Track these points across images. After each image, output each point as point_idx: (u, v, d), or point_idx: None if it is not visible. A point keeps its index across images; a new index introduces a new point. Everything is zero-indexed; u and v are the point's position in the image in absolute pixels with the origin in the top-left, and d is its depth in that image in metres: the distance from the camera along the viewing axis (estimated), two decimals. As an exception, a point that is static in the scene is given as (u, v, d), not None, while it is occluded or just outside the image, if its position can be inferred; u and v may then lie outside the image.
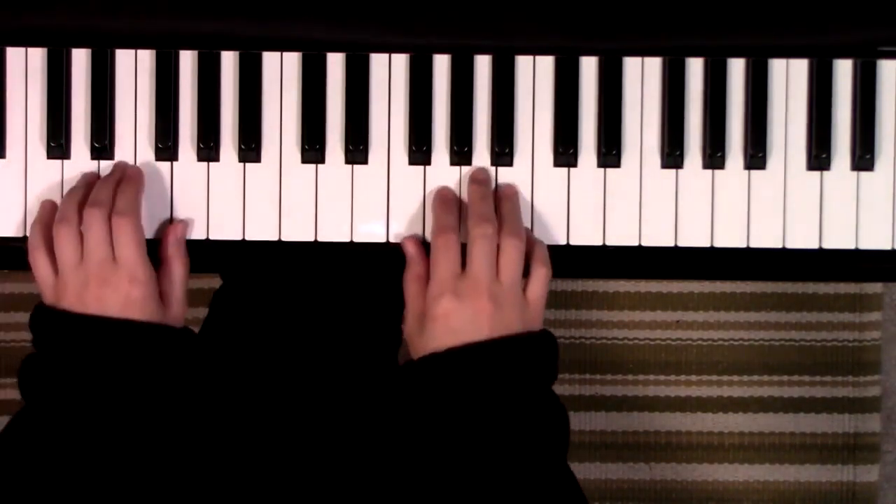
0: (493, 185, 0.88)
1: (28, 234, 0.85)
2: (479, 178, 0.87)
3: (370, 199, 0.88)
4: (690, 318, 1.59)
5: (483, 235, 0.81)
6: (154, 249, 0.84)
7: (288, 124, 0.88)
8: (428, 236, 0.88)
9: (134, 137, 0.88)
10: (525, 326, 0.81)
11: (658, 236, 0.89)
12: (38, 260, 0.83)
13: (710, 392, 1.59)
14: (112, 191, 0.83)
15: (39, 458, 0.78)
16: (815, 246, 0.89)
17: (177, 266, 0.85)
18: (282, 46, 0.88)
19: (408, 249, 0.85)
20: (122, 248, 0.81)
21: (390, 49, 0.88)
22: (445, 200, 0.86)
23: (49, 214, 0.85)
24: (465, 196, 0.88)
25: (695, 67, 0.89)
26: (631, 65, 0.89)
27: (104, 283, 0.80)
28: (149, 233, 0.87)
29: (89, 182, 0.86)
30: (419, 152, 0.88)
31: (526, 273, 0.83)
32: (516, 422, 0.78)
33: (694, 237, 0.89)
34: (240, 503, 0.91)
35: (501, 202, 0.86)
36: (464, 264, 0.81)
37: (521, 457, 0.78)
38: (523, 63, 0.89)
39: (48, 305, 0.83)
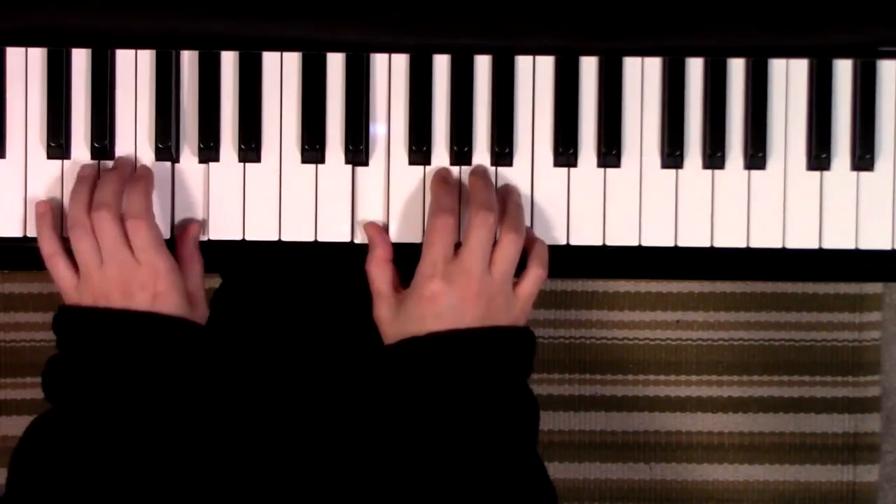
0: (495, 184, 0.88)
1: (40, 242, 0.85)
2: (480, 171, 0.87)
3: (370, 199, 0.88)
4: (690, 318, 1.59)
5: (483, 224, 0.81)
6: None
7: (288, 124, 0.88)
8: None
9: (134, 137, 0.88)
10: (509, 321, 0.81)
11: (658, 236, 0.89)
12: (58, 265, 0.83)
13: (710, 392, 1.59)
14: (116, 189, 0.83)
15: (68, 457, 0.78)
16: (815, 246, 0.89)
17: (194, 265, 0.86)
18: (282, 46, 0.88)
19: (369, 233, 0.86)
20: (140, 251, 0.81)
21: (390, 49, 0.88)
22: (446, 181, 0.87)
23: (53, 217, 0.85)
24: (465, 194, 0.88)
25: (695, 67, 0.89)
26: (631, 65, 0.89)
27: (129, 280, 0.81)
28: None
29: (89, 178, 0.85)
30: (419, 152, 0.88)
31: (522, 267, 0.83)
32: (491, 410, 0.79)
33: (694, 237, 0.89)
34: (239, 500, 0.91)
35: (505, 198, 0.86)
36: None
37: (494, 444, 0.78)
38: (523, 63, 0.89)
39: (73, 305, 0.83)
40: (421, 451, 0.78)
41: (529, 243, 0.85)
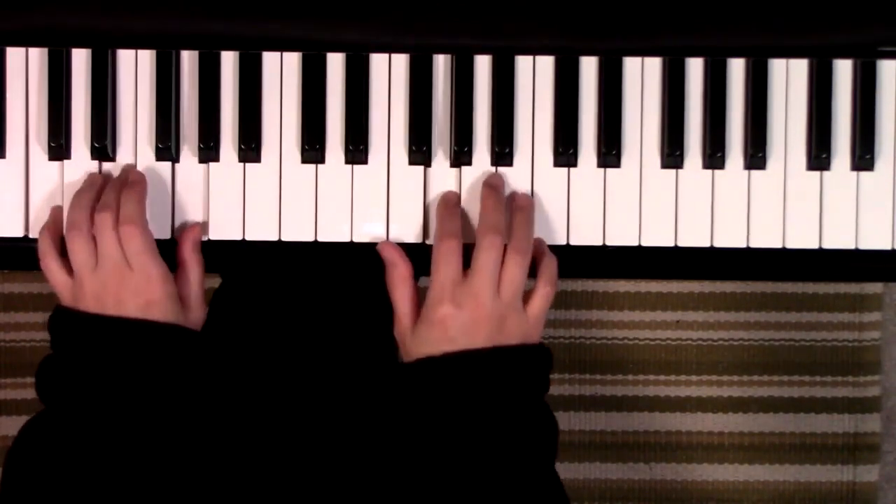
0: (507, 190, 0.88)
1: (38, 241, 0.85)
2: (494, 184, 0.87)
3: (370, 199, 0.88)
4: (690, 318, 1.59)
5: (490, 246, 0.81)
6: (162, 250, 0.84)
7: (288, 124, 0.88)
8: (427, 235, 0.88)
9: (134, 137, 0.88)
10: (522, 339, 0.81)
11: (658, 236, 0.89)
12: (51, 265, 0.84)
13: (710, 392, 1.59)
14: (119, 195, 0.83)
15: (61, 458, 0.78)
16: (815, 246, 0.89)
17: (193, 268, 0.86)
18: (282, 46, 0.88)
19: (385, 254, 0.85)
20: (133, 256, 0.81)
21: (390, 49, 0.88)
22: (450, 205, 0.87)
23: (58, 220, 0.85)
24: (474, 197, 0.88)
25: (695, 67, 0.89)
26: (631, 65, 0.89)
27: (122, 286, 0.81)
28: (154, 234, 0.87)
29: (95, 183, 0.86)
30: (419, 152, 0.88)
31: (532, 276, 0.83)
32: (508, 429, 0.79)
33: (694, 237, 0.89)
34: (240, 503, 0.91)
35: (515, 213, 0.85)
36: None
37: (511, 462, 0.78)
38: (523, 63, 0.89)
39: (68, 307, 0.83)
40: (436, 471, 0.78)
41: (539, 256, 0.84)
